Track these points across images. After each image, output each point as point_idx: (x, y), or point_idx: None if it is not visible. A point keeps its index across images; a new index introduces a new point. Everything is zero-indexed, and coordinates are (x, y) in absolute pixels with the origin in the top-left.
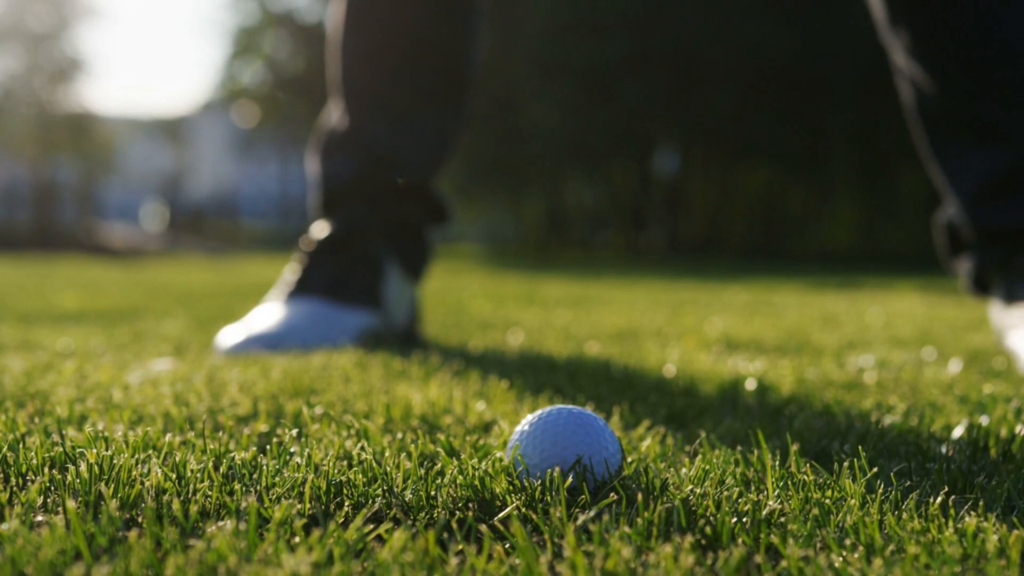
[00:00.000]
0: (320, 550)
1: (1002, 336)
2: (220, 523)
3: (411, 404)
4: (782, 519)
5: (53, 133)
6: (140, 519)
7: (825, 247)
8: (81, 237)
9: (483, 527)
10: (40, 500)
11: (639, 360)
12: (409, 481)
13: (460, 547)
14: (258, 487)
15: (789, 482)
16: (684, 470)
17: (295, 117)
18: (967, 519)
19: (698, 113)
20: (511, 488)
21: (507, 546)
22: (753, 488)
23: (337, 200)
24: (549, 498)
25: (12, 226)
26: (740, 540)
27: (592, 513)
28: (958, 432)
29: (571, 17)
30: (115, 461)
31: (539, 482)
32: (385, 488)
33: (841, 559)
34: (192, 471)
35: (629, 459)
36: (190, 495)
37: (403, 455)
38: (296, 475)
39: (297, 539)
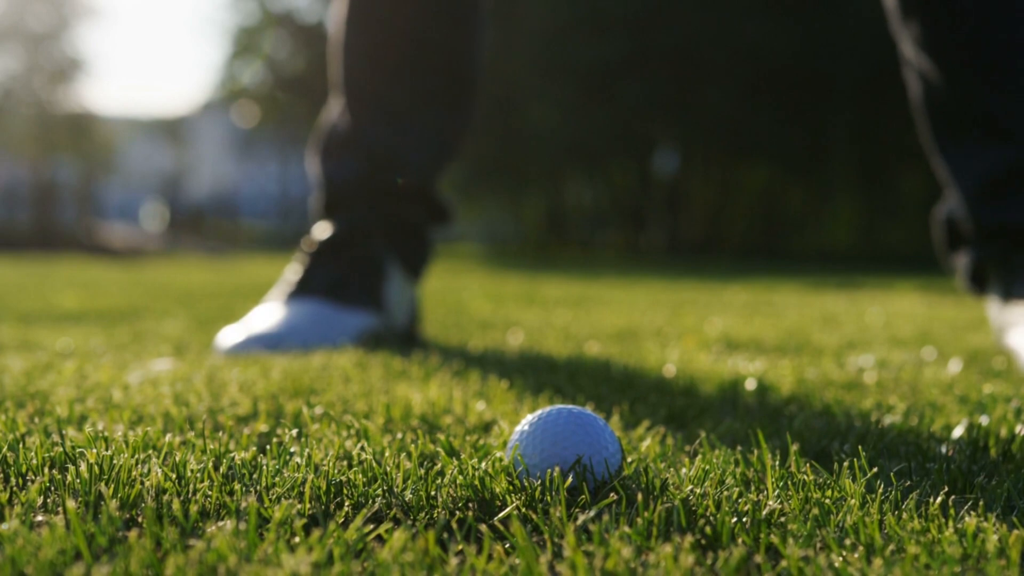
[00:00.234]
0: (320, 550)
1: (1001, 334)
2: (220, 523)
3: (411, 404)
4: (782, 519)
5: (53, 133)
6: (140, 519)
7: (825, 247)
8: (81, 237)
9: (483, 527)
10: (40, 500)
11: (639, 360)
12: (409, 481)
13: (460, 547)
14: (258, 487)
15: (789, 482)
16: (684, 470)
17: (295, 117)
18: (967, 519)
19: (698, 113)
20: (511, 488)
21: (507, 546)
22: (753, 488)
23: (338, 201)
24: (549, 498)
25: (12, 226)
26: (740, 540)
27: (592, 513)
28: (958, 432)
29: (571, 17)
30: (115, 461)
31: (539, 482)
32: (385, 488)
33: (841, 559)
34: (192, 471)
35: (629, 459)
36: (190, 495)
37: (403, 455)
38: (296, 475)
39: (297, 539)
